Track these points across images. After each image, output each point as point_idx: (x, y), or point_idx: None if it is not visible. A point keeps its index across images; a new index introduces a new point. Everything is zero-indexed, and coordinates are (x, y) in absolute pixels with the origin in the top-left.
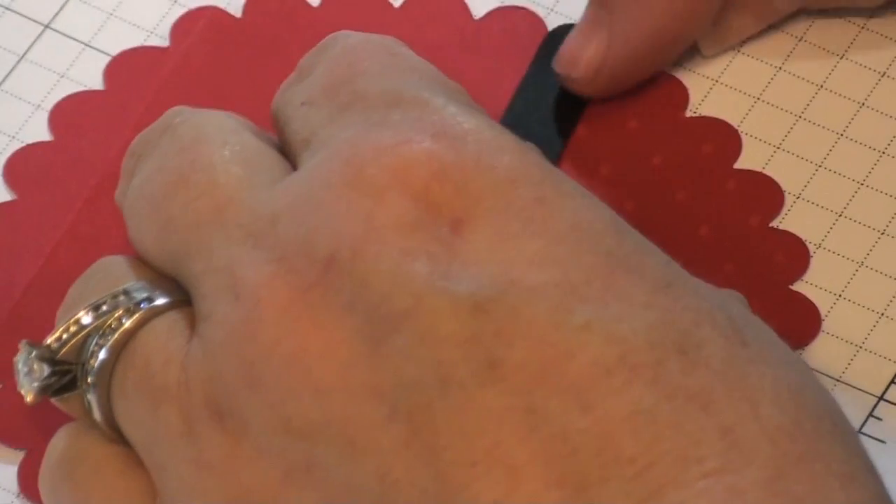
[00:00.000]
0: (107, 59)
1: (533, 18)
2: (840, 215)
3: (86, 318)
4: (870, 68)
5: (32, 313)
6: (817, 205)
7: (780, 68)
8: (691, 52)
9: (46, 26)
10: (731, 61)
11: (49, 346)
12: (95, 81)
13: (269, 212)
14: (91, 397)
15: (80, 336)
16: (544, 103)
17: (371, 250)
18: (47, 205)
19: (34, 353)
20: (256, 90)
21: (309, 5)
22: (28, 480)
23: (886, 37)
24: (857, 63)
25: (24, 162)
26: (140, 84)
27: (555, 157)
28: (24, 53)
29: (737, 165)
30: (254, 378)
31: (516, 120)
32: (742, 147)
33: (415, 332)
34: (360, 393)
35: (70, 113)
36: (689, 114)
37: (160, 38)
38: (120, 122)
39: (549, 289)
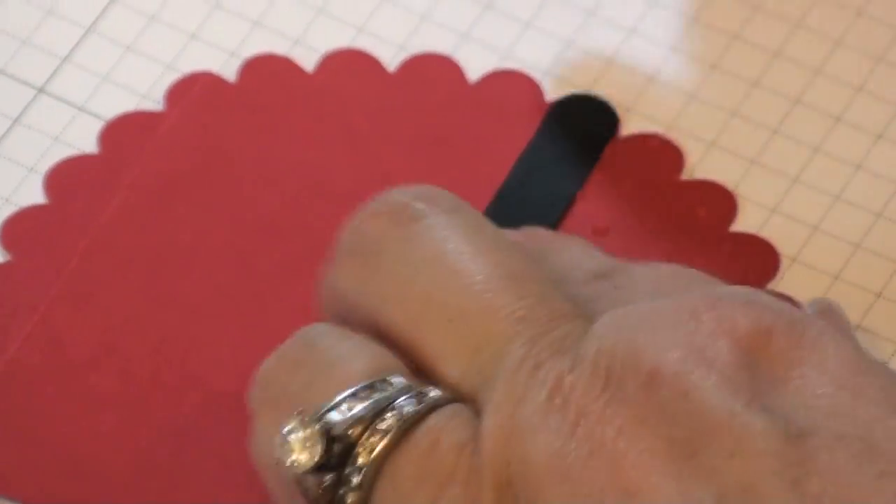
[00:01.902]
0: (101, 123)
1: (528, 82)
2: (836, 278)
3: (359, 406)
4: (866, 130)
5: (26, 369)
6: (814, 268)
7: (777, 131)
8: (688, 116)
9: (40, 90)
10: (727, 124)
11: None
12: (89, 145)
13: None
14: (355, 480)
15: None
16: (548, 170)
17: (696, 373)
18: (42, 265)
19: (319, 424)
20: (251, 155)
21: (303, 71)
22: None
23: (882, 99)
24: (853, 125)
25: (20, 225)
26: (134, 148)
27: (554, 223)
28: (18, 117)
29: (733, 228)
30: (564, 473)
31: (519, 184)
32: (738, 210)
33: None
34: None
35: (65, 176)
36: (684, 177)
37: (154, 103)
38: (114, 186)
39: (854, 441)
